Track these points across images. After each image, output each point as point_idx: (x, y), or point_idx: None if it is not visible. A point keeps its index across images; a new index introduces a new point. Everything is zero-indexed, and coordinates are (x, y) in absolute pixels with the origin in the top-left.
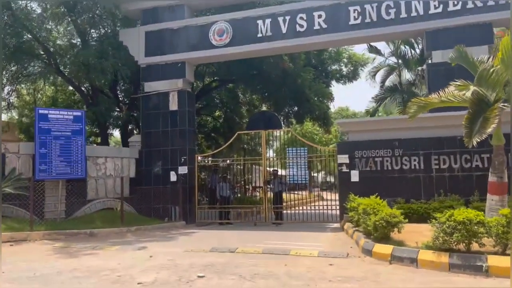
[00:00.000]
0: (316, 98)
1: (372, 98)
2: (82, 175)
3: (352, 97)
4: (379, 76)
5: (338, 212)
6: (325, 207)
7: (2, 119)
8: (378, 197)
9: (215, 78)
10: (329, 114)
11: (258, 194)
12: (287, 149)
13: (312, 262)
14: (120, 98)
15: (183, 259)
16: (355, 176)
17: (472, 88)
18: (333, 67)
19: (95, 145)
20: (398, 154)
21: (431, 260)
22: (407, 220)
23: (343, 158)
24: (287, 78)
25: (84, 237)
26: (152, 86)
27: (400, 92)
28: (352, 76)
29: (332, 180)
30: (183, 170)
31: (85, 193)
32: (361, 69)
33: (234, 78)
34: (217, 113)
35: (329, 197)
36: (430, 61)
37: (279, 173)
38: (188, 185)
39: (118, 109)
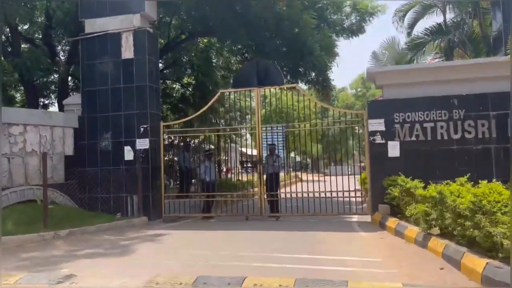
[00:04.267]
0: (322, 52)
1: (406, 44)
2: None
3: (355, 55)
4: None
5: (354, 199)
6: (330, 194)
7: None
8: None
9: (184, 30)
10: (329, 75)
11: (236, 176)
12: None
13: None
14: (60, 53)
15: None
16: (394, 149)
17: None
18: (334, 17)
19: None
20: (457, 116)
21: None
22: None
23: (377, 124)
24: (281, 25)
25: None
26: (97, 25)
27: (445, 34)
28: (356, 29)
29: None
30: (143, 144)
31: None
32: (370, 20)
33: (210, 27)
34: (186, 80)
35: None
36: None
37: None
38: (150, 166)
39: (54, 65)
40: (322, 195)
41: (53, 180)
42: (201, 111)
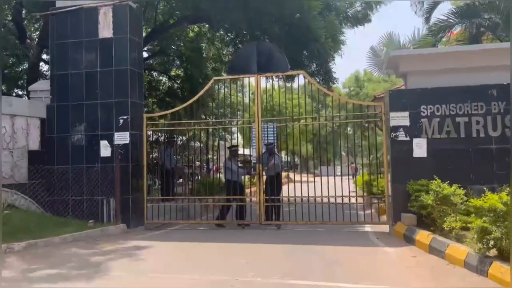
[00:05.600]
0: (327, 39)
1: (430, 28)
2: None
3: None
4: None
5: (359, 206)
6: (334, 200)
7: None
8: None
9: (173, 15)
10: (331, 67)
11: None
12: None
13: None
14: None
15: None
16: (420, 147)
17: None
18: (338, 3)
19: None
20: (497, 110)
21: None
22: None
23: (400, 118)
24: (283, 7)
25: None
26: None
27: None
28: (362, 17)
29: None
30: (122, 138)
31: None
32: (377, 8)
33: (201, 11)
34: (173, 72)
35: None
36: None
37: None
38: (131, 164)
39: (25, 49)
40: (328, 200)
41: (13, 180)
42: (191, 100)
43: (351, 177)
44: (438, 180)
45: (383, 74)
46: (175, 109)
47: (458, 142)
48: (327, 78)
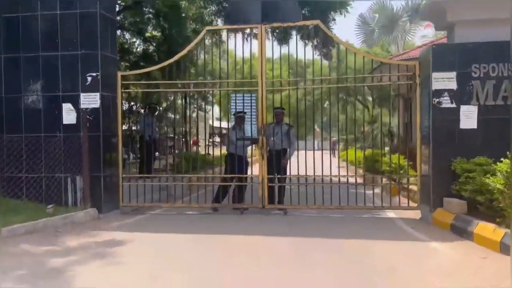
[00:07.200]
0: None
1: None
2: None
3: None
4: None
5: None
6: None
7: None
8: None
9: None
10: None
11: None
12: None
13: None
14: None
15: None
16: (470, 117)
17: None
18: None
19: None
20: None
21: None
22: None
23: (446, 80)
24: None
25: None
26: None
27: None
28: None
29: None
30: (91, 101)
31: None
32: None
33: None
34: (149, 34)
35: None
36: None
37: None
38: (102, 133)
39: None
40: (339, 180)
41: None
42: (179, 55)
43: (330, 152)
44: (509, 158)
45: (374, 43)
46: (160, 65)
47: None
48: (324, 42)
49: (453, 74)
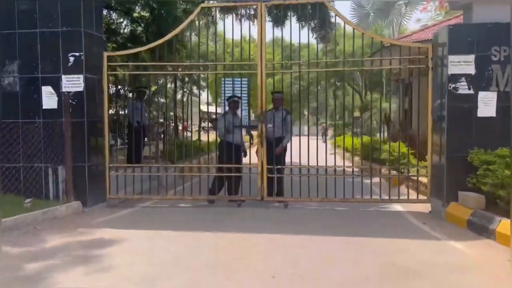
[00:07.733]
0: None
1: None
2: None
3: None
4: None
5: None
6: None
7: None
8: None
9: None
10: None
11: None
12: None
13: None
14: None
15: None
16: (488, 104)
17: None
18: None
19: None
20: None
21: None
22: None
23: (463, 64)
24: None
25: None
26: None
27: None
28: None
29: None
30: (74, 84)
31: None
32: None
33: None
34: (136, 14)
35: None
36: None
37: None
38: (86, 119)
39: None
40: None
41: None
42: (171, 34)
43: (321, 138)
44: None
45: (369, 27)
46: (150, 45)
47: None
48: (321, 24)
49: (471, 58)
